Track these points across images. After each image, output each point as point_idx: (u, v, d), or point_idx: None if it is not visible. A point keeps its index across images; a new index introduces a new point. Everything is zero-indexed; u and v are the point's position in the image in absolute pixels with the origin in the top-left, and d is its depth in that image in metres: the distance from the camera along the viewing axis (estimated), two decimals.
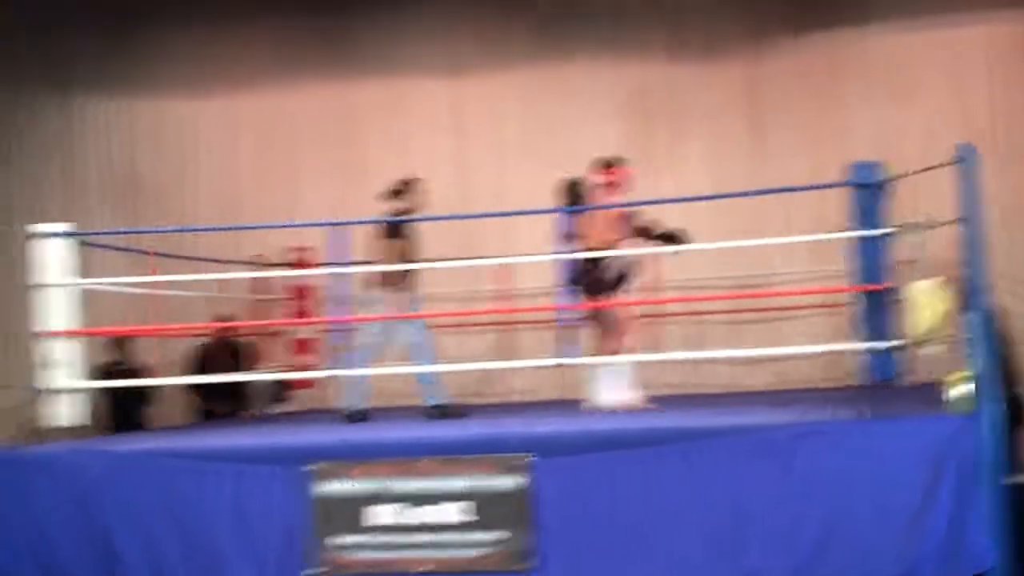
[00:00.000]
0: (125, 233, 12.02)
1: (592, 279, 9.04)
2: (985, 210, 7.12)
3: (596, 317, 9.18)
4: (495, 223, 11.98)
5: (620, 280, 9.06)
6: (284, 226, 11.25)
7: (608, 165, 9.32)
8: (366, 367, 9.39)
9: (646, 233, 9.10)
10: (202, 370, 11.15)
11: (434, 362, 9.40)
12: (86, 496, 7.26)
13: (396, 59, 13.09)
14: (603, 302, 8.94)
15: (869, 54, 12.36)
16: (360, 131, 13.15)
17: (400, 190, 9.64)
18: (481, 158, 12.82)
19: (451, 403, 9.48)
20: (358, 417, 9.54)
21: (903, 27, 12.31)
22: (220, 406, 11.45)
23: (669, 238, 9.14)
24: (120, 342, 11.55)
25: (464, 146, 12.88)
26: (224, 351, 11.49)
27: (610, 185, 9.23)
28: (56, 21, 13.35)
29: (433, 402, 9.41)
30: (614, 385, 8.98)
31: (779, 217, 11.81)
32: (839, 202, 9.03)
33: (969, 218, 6.81)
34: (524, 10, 12.87)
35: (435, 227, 11.91)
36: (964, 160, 6.86)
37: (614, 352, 9.04)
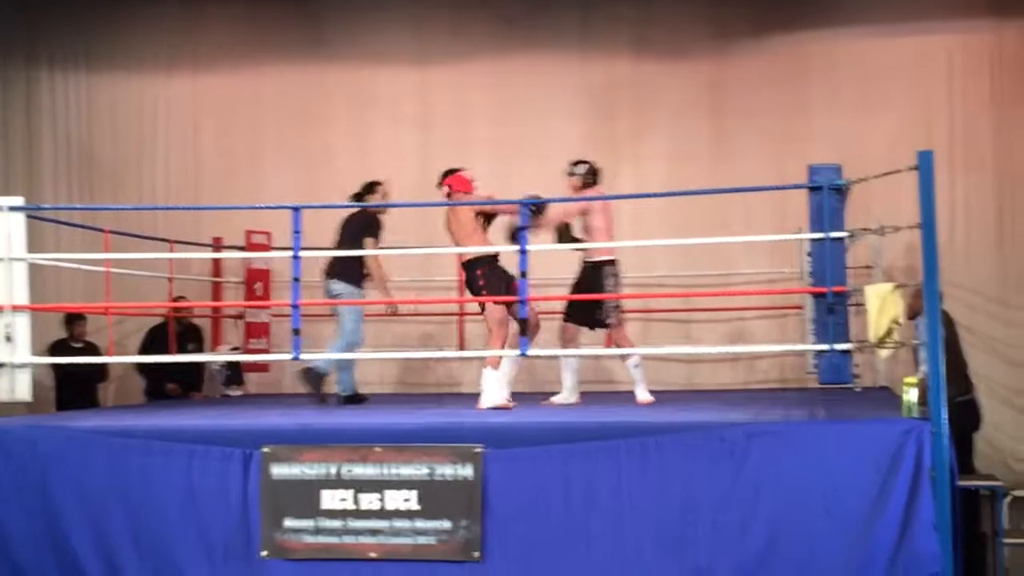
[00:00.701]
0: (79, 209, 11.95)
1: (470, 282, 9.17)
2: (942, 218, 7.16)
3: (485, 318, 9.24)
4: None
5: (490, 281, 9.04)
6: (243, 208, 11.18)
7: (444, 176, 9.42)
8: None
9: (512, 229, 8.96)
10: (154, 350, 11.10)
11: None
12: (36, 471, 7.21)
13: (363, 46, 13.06)
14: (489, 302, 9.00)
15: (834, 59, 12.41)
16: (325, 117, 13.11)
17: (368, 191, 9.85)
18: (445, 149, 12.74)
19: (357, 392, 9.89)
20: (356, 400, 9.82)
21: (868, 33, 12.38)
22: (172, 387, 11.39)
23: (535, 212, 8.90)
24: (73, 319, 11.48)
25: (428, 136, 12.88)
26: (177, 332, 11.42)
27: (451, 196, 9.32)
28: None
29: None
30: (493, 385, 8.91)
31: (739, 218, 11.88)
32: (799, 205, 9.08)
33: (925, 224, 6.85)
34: (493, 2, 12.85)
35: (397, 218, 11.97)
36: (922, 167, 6.90)
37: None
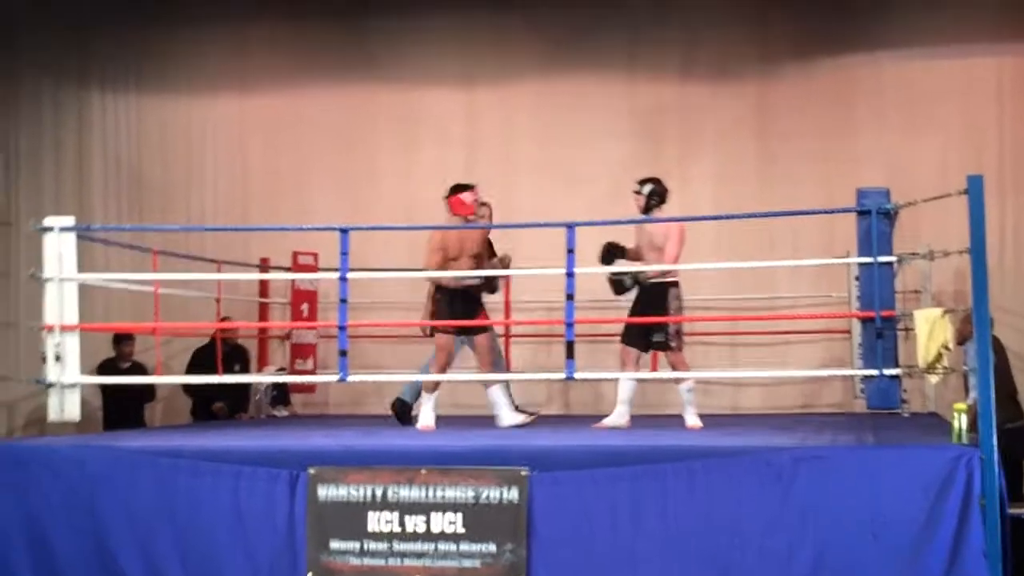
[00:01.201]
0: (129, 229, 12.04)
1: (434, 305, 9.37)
2: (992, 242, 7.11)
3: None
4: (500, 236, 11.96)
5: (439, 307, 9.21)
6: (291, 228, 11.26)
7: (449, 192, 9.41)
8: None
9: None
10: (202, 370, 11.16)
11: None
12: (84, 491, 7.24)
13: (409, 67, 13.09)
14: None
15: (881, 81, 12.36)
16: (371, 138, 13.17)
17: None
18: (491, 171, 12.77)
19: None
20: (406, 413, 9.95)
21: (915, 55, 12.33)
22: (219, 406, 11.45)
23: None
24: (121, 339, 11.56)
25: (475, 158, 12.89)
26: (223, 352, 11.47)
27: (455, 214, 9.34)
28: (72, 17, 13.34)
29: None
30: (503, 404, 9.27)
31: (786, 241, 11.82)
32: (847, 229, 9.04)
33: (975, 249, 6.81)
34: (540, 24, 12.88)
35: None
36: (972, 191, 6.86)
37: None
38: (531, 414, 9.58)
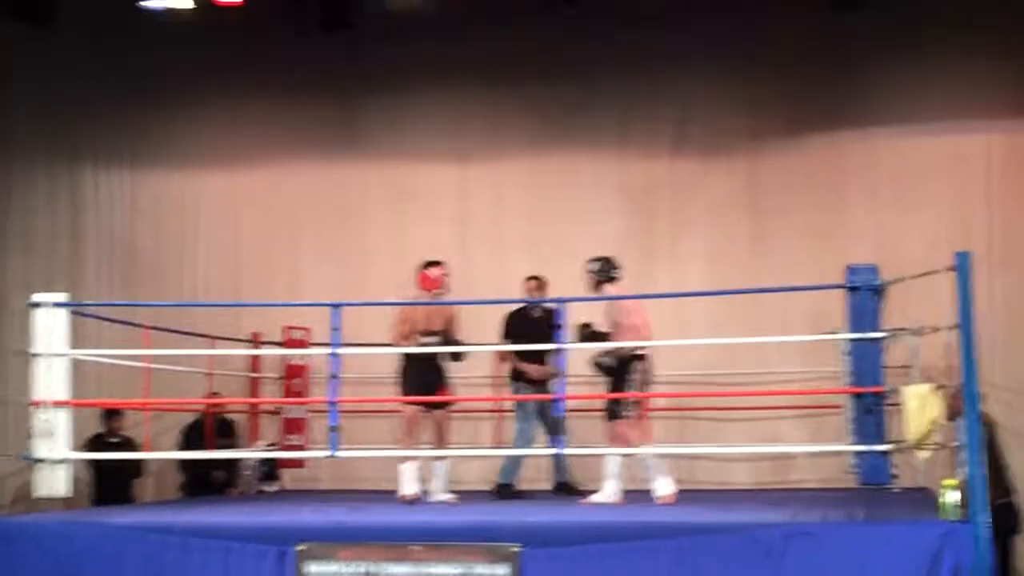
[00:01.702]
0: (121, 305, 12.03)
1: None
2: (981, 317, 7.14)
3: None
4: (493, 312, 11.99)
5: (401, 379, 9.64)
6: (283, 304, 11.28)
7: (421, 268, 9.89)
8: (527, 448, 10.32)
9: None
10: (192, 446, 11.13)
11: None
12: (71, 567, 7.21)
13: (401, 143, 13.14)
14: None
15: (871, 157, 12.41)
16: (363, 213, 13.20)
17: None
18: (483, 246, 12.86)
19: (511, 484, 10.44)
20: (506, 492, 10.25)
21: (906, 132, 12.39)
22: (218, 474, 11.42)
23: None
24: (111, 414, 11.54)
25: (466, 233, 12.93)
26: (214, 427, 11.45)
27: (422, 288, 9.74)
28: (65, 92, 13.44)
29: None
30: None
31: (777, 316, 11.82)
32: (837, 304, 9.09)
33: (964, 325, 6.84)
34: (532, 100, 12.95)
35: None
36: (960, 267, 6.91)
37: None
38: (457, 494, 9.84)
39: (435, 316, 9.58)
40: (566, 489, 10.54)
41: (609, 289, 9.42)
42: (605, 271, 9.47)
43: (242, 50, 13.18)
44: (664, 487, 9.17)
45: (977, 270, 7.21)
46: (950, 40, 12.18)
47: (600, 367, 9.34)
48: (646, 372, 9.26)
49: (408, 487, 9.49)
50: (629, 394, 9.14)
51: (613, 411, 9.29)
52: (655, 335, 9.49)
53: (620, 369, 9.26)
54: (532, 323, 10.22)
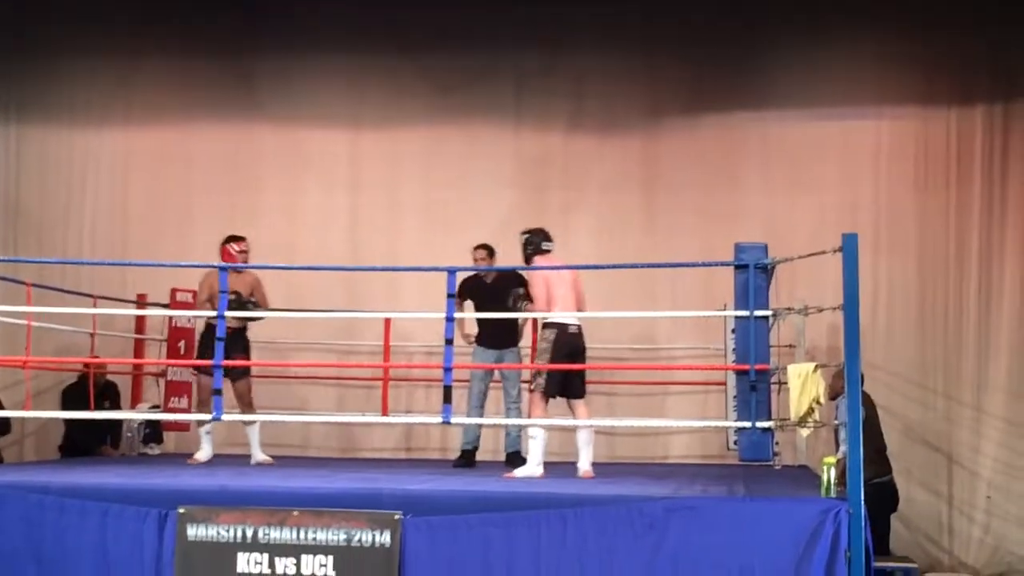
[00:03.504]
0: (3, 261, 11.77)
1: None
2: (865, 299, 7.25)
3: None
4: (383, 281, 11.95)
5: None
6: (170, 265, 11.11)
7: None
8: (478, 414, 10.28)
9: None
10: (72, 406, 10.95)
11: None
12: None
13: (297, 107, 13.00)
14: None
15: (765, 140, 12.52)
16: (256, 177, 13.03)
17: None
18: (375, 214, 12.78)
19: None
20: (463, 461, 10.32)
21: (799, 117, 12.51)
22: (87, 444, 11.24)
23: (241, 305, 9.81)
24: None
25: (359, 200, 12.85)
26: (96, 388, 11.27)
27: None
28: None
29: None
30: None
31: (667, 293, 11.93)
32: (726, 281, 9.18)
33: (848, 306, 6.95)
34: (429, 70, 12.88)
35: (323, 282, 11.95)
36: (847, 249, 7.01)
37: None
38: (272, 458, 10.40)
39: (238, 283, 9.91)
40: (512, 460, 10.35)
41: (538, 261, 9.42)
42: (532, 243, 9.50)
43: (137, 8, 12.97)
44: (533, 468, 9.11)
45: (863, 253, 7.32)
46: (844, 27, 12.34)
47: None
48: (548, 340, 9.20)
49: (202, 453, 10.15)
50: (523, 365, 9.20)
51: (527, 382, 9.37)
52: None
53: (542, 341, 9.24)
54: (486, 288, 10.21)
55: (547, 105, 12.79)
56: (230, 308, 8.75)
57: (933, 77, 12.22)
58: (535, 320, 9.54)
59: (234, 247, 10.21)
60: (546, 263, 9.33)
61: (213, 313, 8.71)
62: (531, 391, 9.22)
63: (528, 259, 9.47)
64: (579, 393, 9.30)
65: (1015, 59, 12.05)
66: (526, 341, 10.54)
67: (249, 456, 10.33)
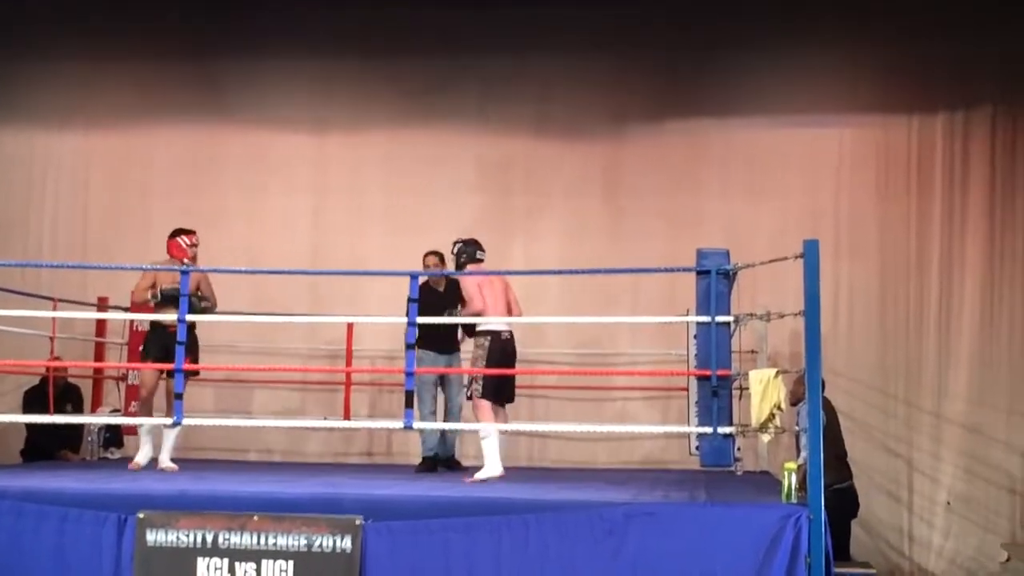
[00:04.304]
0: None
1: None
2: (827, 306, 7.27)
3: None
4: (346, 285, 11.90)
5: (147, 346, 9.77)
6: (131, 268, 11.03)
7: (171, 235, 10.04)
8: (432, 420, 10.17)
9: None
10: (33, 410, 10.88)
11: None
12: None
13: (261, 110, 12.96)
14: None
15: (728, 146, 12.56)
16: (218, 180, 12.97)
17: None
18: (339, 218, 12.75)
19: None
20: (424, 467, 10.22)
21: (761, 124, 12.56)
22: (49, 448, 11.16)
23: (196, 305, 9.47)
24: None
25: (323, 204, 12.82)
26: (56, 392, 11.19)
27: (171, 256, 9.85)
28: None
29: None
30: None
31: (629, 297, 11.96)
32: (688, 287, 9.21)
33: (809, 313, 6.97)
34: (394, 74, 12.86)
35: (286, 285, 11.91)
36: (808, 255, 7.03)
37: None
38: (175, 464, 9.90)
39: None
40: (450, 464, 10.49)
41: (472, 270, 9.57)
42: (466, 252, 9.67)
43: (101, 8, 12.90)
44: (493, 468, 9.16)
45: (824, 259, 7.35)
46: (806, 36, 12.38)
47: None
48: (483, 347, 9.30)
49: (142, 455, 9.89)
50: (473, 370, 9.24)
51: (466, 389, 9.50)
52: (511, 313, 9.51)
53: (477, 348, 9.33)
54: (438, 296, 10.18)
55: (511, 110, 12.79)
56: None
57: (894, 85, 12.31)
58: (466, 327, 9.68)
59: (184, 240, 9.94)
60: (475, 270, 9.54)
61: (172, 317, 8.62)
62: (470, 398, 9.40)
63: (460, 267, 9.65)
64: (511, 398, 9.55)
65: (975, 67, 12.15)
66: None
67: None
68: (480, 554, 6.78)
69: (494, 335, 9.30)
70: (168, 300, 9.37)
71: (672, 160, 12.62)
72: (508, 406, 9.52)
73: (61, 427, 10.74)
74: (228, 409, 11.41)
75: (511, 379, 9.48)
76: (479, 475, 9.07)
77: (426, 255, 10.46)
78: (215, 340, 11.11)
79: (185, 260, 9.72)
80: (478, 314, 9.28)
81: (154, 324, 9.69)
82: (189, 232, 9.97)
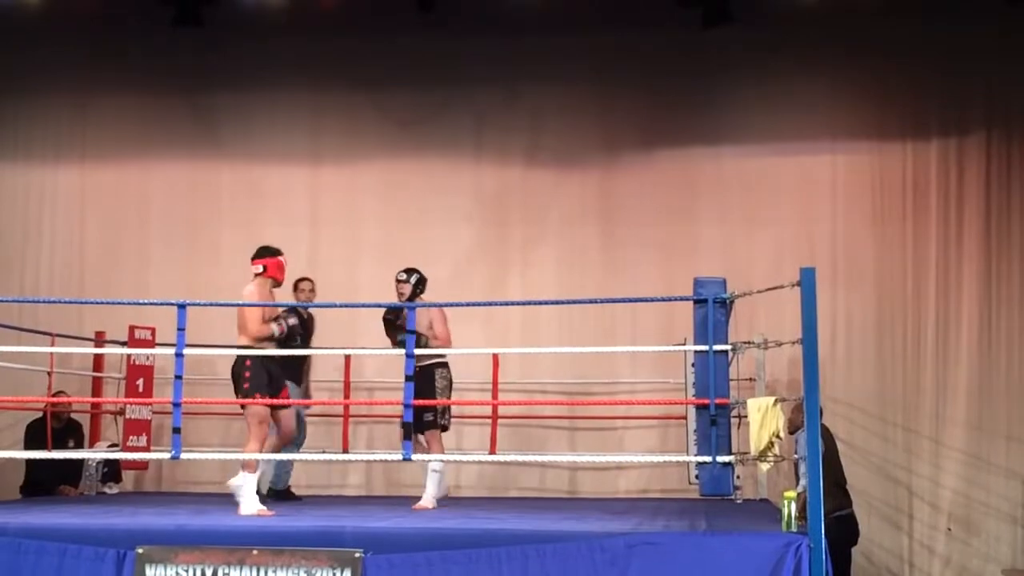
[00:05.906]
0: None
1: (234, 376, 8.81)
2: (824, 333, 7.28)
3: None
4: (342, 316, 11.88)
5: (244, 379, 8.68)
6: (128, 303, 11.05)
7: (259, 254, 9.20)
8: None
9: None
10: (33, 446, 10.86)
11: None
12: None
13: (255, 144, 12.98)
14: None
15: (722, 174, 12.58)
16: (214, 214, 12.99)
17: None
18: (335, 250, 12.75)
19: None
20: (283, 495, 10.17)
21: (756, 152, 12.58)
22: (48, 483, 11.14)
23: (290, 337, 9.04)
24: None
25: (318, 237, 12.82)
26: (56, 428, 11.17)
27: (259, 276, 9.07)
28: None
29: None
30: (251, 490, 8.56)
31: (626, 326, 11.96)
32: (685, 315, 9.22)
33: (807, 340, 6.98)
34: (388, 106, 12.90)
35: None
36: (805, 283, 7.04)
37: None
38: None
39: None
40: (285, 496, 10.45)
41: (422, 299, 9.67)
42: (423, 282, 9.79)
43: (94, 43, 12.95)
44: (431, 499, 9.36)
45: (821, 286, 7.35)
46: (798, 63, 12.43)
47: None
48: (447, 378, 9.54)
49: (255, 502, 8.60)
50: (444, 401, 9.29)
51: (431, 421, 9.45)
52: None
53: (427, 376, 9.28)
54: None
55: (505, 140, 12.82)
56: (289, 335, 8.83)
57: (887, 111, 12.34)
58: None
59: (285, 259, 9.23)
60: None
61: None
62: (434, 429, 9.45)
63: (415, 297, 9.67)
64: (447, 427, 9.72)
65: (968, 92, 12.18)
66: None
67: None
68: None
69: (449, 366, 9.58)
70: (293, 335, 9.04)
71: (666, 188, 12.62)
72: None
73: (60, 462, 10.72)
74: (228, 444, 11.37)
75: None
76: (419, 504, 9.36)
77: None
78: (212, 372, 11.09)
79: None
80: (446, 345, 9.41)
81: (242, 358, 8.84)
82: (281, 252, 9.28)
